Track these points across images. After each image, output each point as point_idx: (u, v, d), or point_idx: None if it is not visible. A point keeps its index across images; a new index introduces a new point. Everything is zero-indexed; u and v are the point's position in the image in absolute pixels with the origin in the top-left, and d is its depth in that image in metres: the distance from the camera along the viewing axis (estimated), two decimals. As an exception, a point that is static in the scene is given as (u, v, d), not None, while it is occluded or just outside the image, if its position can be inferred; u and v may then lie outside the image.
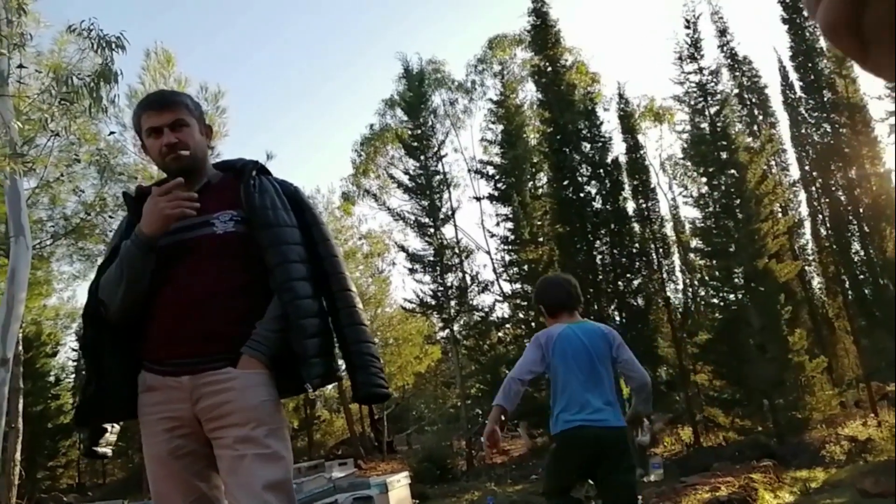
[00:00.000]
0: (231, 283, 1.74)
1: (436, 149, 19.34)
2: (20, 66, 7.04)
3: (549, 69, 16.42)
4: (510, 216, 18.08)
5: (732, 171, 14.07)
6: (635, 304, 15.20)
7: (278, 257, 1.76)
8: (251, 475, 1.65)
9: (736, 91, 18.32)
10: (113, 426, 1.89)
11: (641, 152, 18.27)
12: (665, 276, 18.24)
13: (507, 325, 18.95)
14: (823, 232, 18.27)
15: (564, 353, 3.21)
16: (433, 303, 18.47)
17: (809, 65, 17.57)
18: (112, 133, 13.12)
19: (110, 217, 13.79)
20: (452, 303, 18.30)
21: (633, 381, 3.31)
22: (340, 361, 1.92)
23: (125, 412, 1.83)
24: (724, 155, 14.18)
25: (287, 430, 1.80)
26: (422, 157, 19.00)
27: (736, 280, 13.86)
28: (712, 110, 14.58)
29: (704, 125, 14.64)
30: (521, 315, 18.24)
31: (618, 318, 15.07)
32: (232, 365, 1.71)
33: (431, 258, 18.46)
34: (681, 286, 21.72)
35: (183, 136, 1.81)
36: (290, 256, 1.79)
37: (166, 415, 1.74)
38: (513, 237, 17.91)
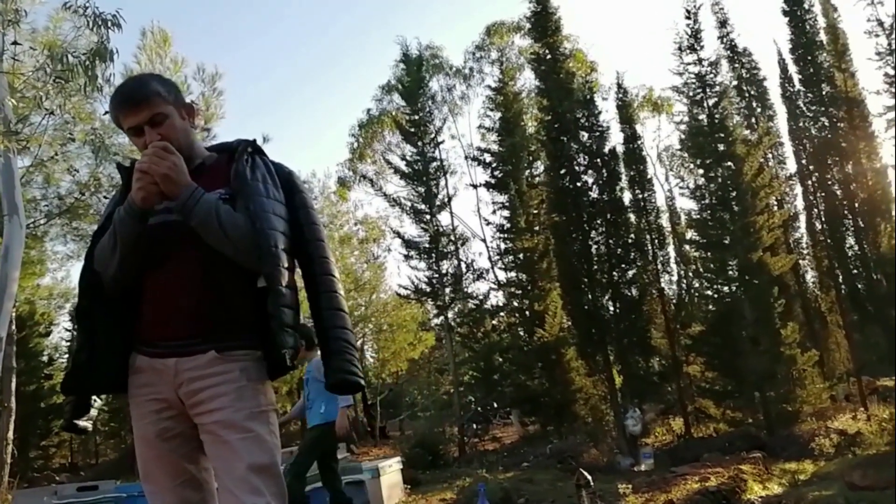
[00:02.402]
0: (218, 264, 1.72)
1: (433, 135, 19.28)
2: (14, 43, 6.98)
3: (549, 57, 16.30)
4: (506, 204, 18.04)
5: (729, 163, 14.05)
6: (629, 294, 15.20)
7: (261, 223, 1.73)
8: (236, 459, 1.64)
9: (735, 83, 18.25)
10: (95, 400, 1.88)
11: (639, 142, 18.21)
12: (660, 267, 18.24)
13: (502, 314, 18.97)
14: (818, 226, 18.26)
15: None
16: (428, 290, 18.47)
17: (809, 58, 17.50)
18: (107, 112, 12.99)
19: (105, 197, 13.70)
20: (447, 290, 18.30)
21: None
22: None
23: (114, 385, 1.81)
24: (721, 147, 14.16)
25: (274, 413, 1.78)
26: (419, 143, 18.94)
27: (730, 272, 13.88)
28: (711, 102, 14.54)
29: (702, 116, 14.60)
30: (515, 303, 18.25)
31: (611, 309, 15.08)
32: (217, 349, 1.70)
33: (427, 245, 18.45)
34: (675, 277, 21.78)
35: (164, 132, 1.77)
36: (275, 225, 1.76)
37: (153, 396, 1.74)
38: (509, 225, 17.88)
